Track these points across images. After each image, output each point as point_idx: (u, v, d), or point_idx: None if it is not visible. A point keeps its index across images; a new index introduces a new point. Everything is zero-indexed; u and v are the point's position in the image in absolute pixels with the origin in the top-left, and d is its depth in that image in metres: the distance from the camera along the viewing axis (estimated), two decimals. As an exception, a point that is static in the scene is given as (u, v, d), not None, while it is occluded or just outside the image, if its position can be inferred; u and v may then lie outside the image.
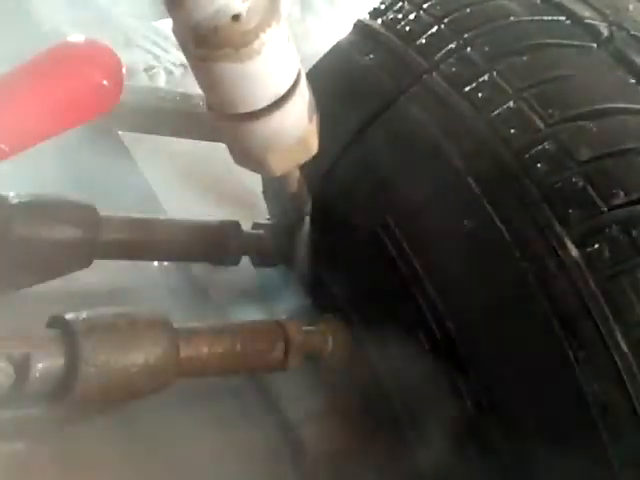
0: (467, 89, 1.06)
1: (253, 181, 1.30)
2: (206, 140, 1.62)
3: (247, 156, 1.00)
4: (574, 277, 0.91)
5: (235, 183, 1.58)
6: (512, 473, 0.98)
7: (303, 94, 0.97)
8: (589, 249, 0.92)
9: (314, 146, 1.02)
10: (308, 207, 1.19)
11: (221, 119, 0.95)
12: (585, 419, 0.90)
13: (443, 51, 1.11)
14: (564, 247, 0.93)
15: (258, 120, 0.93)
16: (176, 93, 1.75)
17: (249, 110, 0.92)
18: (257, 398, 1.16)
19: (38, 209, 1.07)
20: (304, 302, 1.23)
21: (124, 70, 1.00)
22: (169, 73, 2.19)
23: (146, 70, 2.17)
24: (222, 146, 1.01)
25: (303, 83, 0.96)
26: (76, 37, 0.98)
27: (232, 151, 1.01)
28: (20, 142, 0.96)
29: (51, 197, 1.09)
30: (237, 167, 1.03)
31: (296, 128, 0.97)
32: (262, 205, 1.36)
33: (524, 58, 1.07)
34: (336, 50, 1.23)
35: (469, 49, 1.10)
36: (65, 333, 0.88)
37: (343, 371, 1.14)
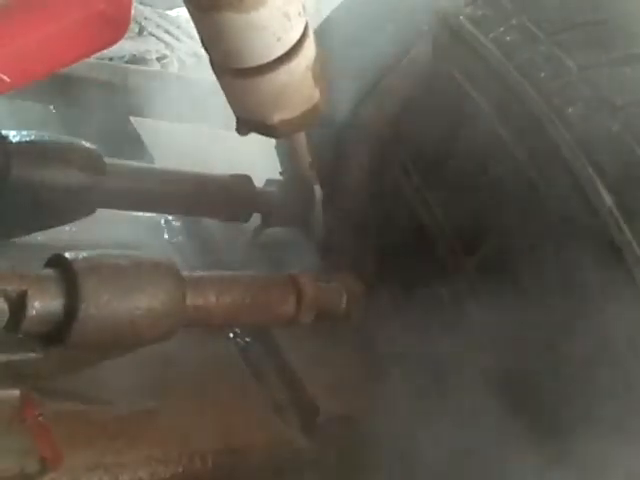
0: (495, 33, 1.01)
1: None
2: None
3: (251, 117, 0.95)
4: (607, 224, 0.86)
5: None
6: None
7: (310, 51, 0.92)
8: (623, 196, 0.87)
9: (322, 106, 0.97)
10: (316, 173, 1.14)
11: (224, 75, 0.91)
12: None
13: (470, -6, 1.05)
14: (597, 193, 0.87)
15: (262, 76, 0.89)
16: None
17: (253, 65, 0.88)
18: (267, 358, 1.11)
19: (40, 150, 1.02)
20: (317, 260, 1.17)
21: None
22: (182, 62, 2.18)
23: (159, 59, 2.17)
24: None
25: (310, 39, 0.91)
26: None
27: (236, 112, 0.96)
28: (22, 74, 0.91)
29: (54, 138, 1.04)
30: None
31: (303, 87, 0.93)
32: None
33: (555, 2, 1.02)
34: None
35: (497, -7, 1.04)
36: (65, 272, 0.82)
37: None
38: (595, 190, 0.87)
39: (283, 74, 0.89)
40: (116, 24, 0.92)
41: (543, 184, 0.90)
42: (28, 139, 1.00)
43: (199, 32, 0.89)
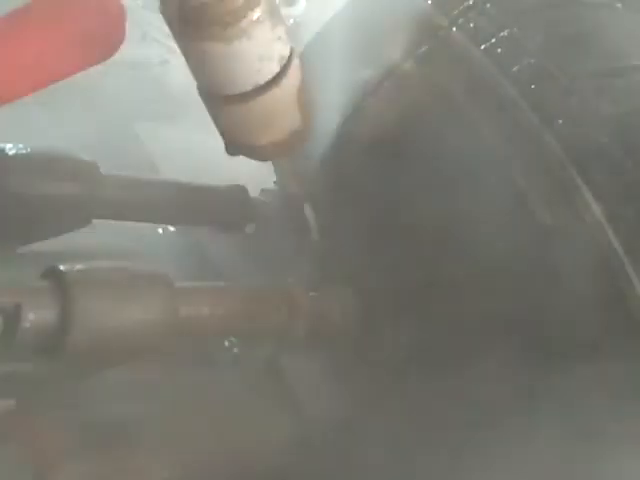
0: (486, 45, 1.02)
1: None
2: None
3: (237, 141, 0.96)
4: (597, 235, 0.87)
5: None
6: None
7: (295, 78, 0.93)
8: (612, 207, 0.88)
9: (307, 132, 0.98)
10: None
11: (211, 102, 0.92)
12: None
13: (462, 7, 1.06)
14: (587, 204, 0.88)
15: (247, 103, 0.90)
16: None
17: (237, 92, 0.89)
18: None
19: (36, 162, 1.03)
20: (312, 271, 1.18)
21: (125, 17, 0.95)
22: (184, 67, 2.16)
23: (161, 64, 2.16)
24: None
25: (295, 64, 0.92)
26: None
27: (223, 136, 0.97)
28: (13, 90, 0.91)
29: (50, 151, 1.05)
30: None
31: (289, 111, 0.94)
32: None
33: (546, 14, 1.03)
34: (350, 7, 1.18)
35: (489, 5, 1.05)
36: (59, 284, 0.83)
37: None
38: (585, 202, 0.88)
39: (269, 100, 0.90)
40: (108, 39, 0.92)
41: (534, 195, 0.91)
42: (24, 151, 1.01)
43: (186, 60, 0.91)
